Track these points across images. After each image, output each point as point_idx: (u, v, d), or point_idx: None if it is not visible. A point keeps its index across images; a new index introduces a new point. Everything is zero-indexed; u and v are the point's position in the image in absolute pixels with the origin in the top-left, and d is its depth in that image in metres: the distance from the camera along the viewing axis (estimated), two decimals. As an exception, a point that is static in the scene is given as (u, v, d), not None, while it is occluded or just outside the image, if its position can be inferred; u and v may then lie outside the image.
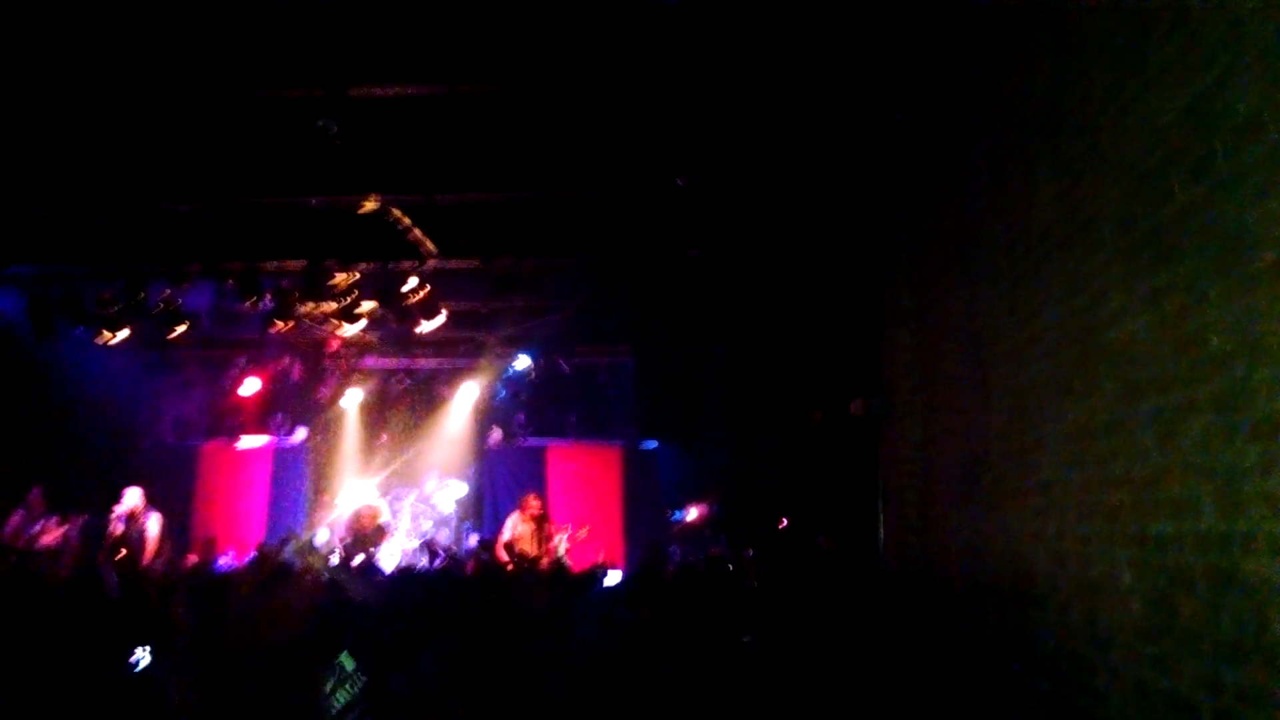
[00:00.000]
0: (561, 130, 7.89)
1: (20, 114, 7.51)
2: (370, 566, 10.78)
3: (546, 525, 12.60)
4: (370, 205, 8.87)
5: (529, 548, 12.23)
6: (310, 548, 12.19)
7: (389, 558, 12.78)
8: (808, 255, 9.82)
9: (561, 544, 12.49)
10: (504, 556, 11.93)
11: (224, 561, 12.51)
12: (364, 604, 5.83)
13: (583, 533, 12.93)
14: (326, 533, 13.45)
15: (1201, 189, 3.27)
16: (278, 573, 5.72)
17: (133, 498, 11.62)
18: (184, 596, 6.36)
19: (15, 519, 11.61)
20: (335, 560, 11.80)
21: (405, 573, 10.14)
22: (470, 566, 11.54)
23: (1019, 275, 5.08)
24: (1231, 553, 3.05)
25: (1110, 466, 3.96)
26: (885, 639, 6.67)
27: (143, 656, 4.67)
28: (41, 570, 10.26)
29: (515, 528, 12.58)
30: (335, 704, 4.31)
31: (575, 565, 11.83)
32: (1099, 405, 4.07)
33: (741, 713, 5.00)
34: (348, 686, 4.38)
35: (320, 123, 7.23)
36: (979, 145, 5.84)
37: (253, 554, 11.97)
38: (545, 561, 11.99)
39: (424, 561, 12.49)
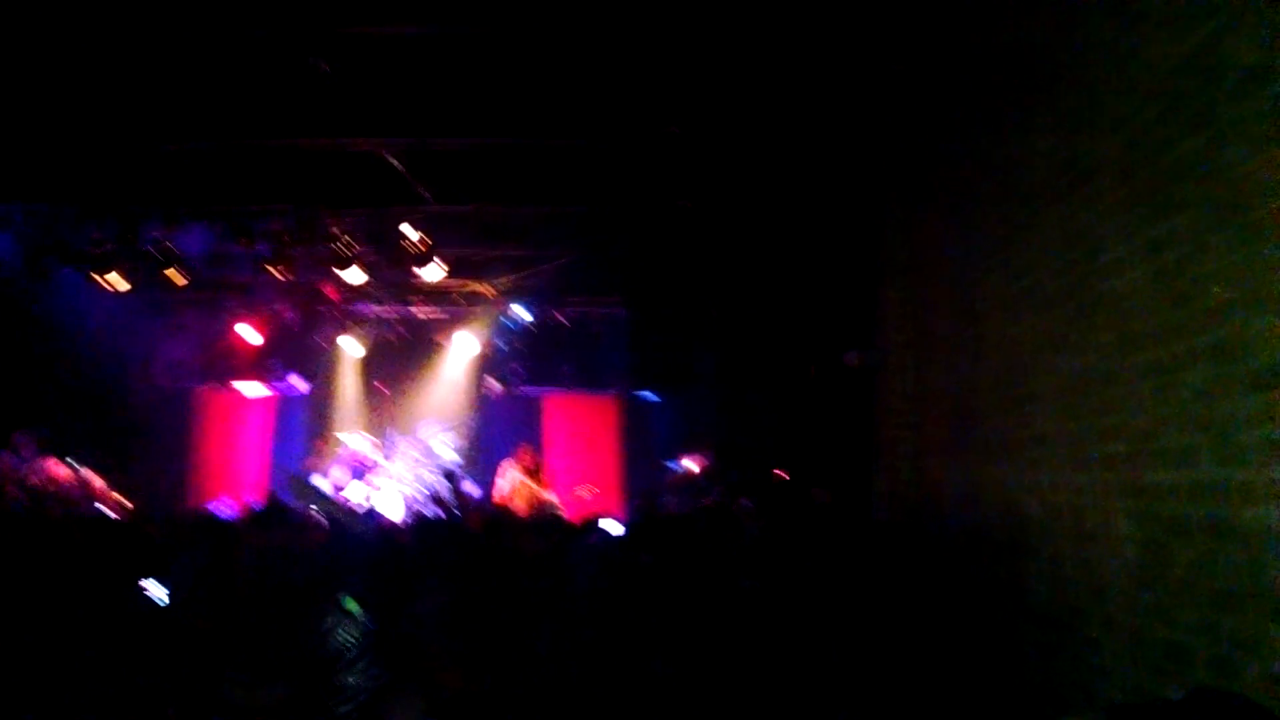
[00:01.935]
0: (557, 76, 7.83)
1: (10, 53, 7.43)
2: (371, 510, 10.81)
3: (540, 476, 12.66)
4: None
5: (522, 500, 12.29)
6: (308, 488, 12.27)
7: (390, 504, 12.84)
8: (802, 207, 9.79)
9: (553, 496, 12.56)
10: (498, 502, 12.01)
11: (220, 507, 12.53)
12: (365, 542, 5.88)
13: (585, 491, 13.00)
14: (325, 482, 13.48)
15: (1202, 139, 3.26)
16: (278, 514, 5.76)
17: (64, 471, 11.56)
18: (188, 535, 6.40)
19: (5, 461, 11.59)
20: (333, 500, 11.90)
21: (413, 520, 10.19)
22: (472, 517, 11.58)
23: (1014, 228, 5.07)
24: (1228, 501, 3.07)
25: (1106, 417, 3.98)
26: (880, 589, 6.72)
27: (155, 591, 4.71)
28: (44, 506, 10.29)
29: (510, 479, 12.64)
30: (339, 643, 4.36)
31: (572, 515, 11.88)
32: (1095, 357, 4.08)
33: (738, 654, 5.05)
34: (349, 627, 4.43)
35: (313, 61, 7.18)
36: (975, 97, 5.81)
37: (252, 499, 12.04)
38: (537, 510, 12.05)
39: (432, 509, 12.55)
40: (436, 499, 11.36)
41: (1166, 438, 3.49)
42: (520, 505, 12.07)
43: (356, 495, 13.09)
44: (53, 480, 11.29)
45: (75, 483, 11.25)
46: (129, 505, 11.16)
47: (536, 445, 13.88)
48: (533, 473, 12.65)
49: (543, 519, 11.02)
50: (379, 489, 13.58)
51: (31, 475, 11.34)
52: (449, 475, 12.18)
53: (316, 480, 13.18)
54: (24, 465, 11.48)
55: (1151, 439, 3.59)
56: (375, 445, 14.71)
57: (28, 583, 5.02)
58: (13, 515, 9.54)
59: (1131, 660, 3.75)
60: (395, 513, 12.49)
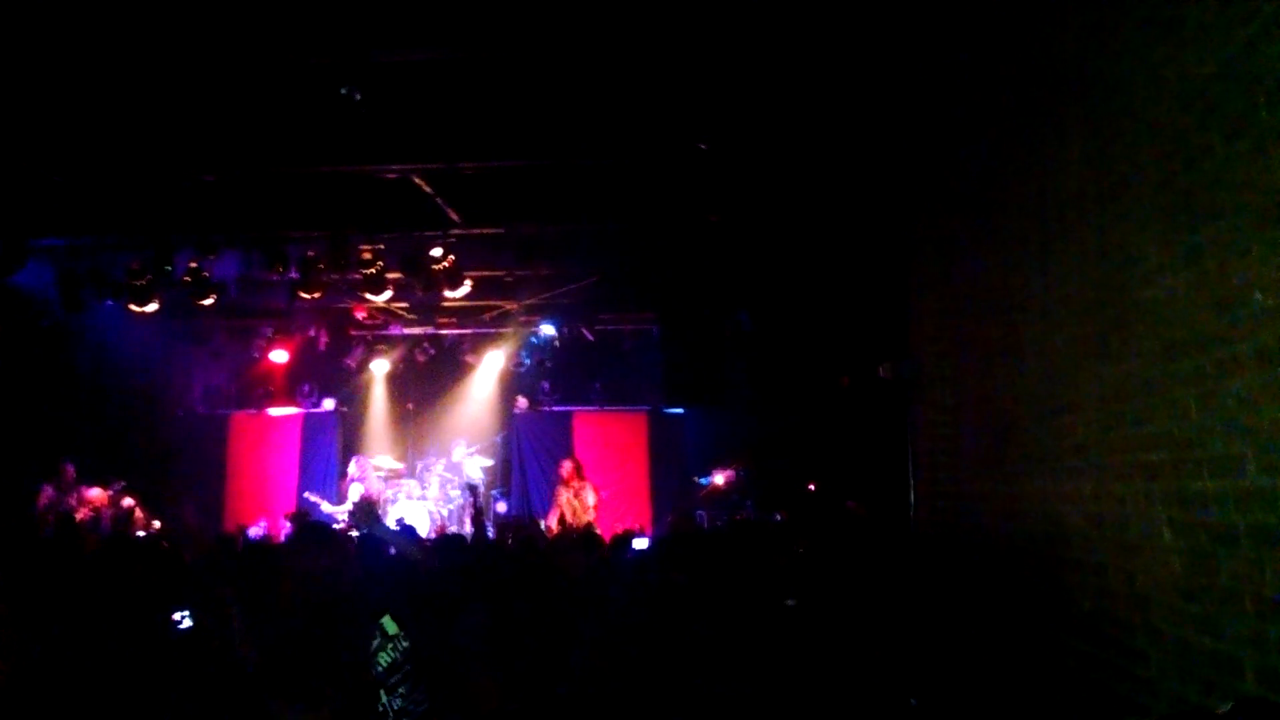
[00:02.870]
0: (585, 96, 7.87)
1: (46, 85, 7.53)
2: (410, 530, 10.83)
3: (577, 487, 12.67)
4: None
5: (572, 513, 12.33)
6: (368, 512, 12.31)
7: (419, 522, 12.88)
8: (834, 219, 9.78)
9: (590, 498, 12.55)
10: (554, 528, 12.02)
11: (255, 531, 12.61)
12: (407, 560, 5.88)
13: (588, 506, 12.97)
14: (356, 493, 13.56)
15: (1241, 145, 3.23)
16: (316, 535, 5.77)
17: (96, 494, 11.68)
18: (224, 559, 6.43)
19: (48, 492, 11.73)
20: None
21: (446, 538, 10.23)
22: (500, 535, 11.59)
23: (1049, 236, 5.04)
24: (1275, 508, 3.04)
25: (1148, 426, 3.95)
26: (919, 603, 6.68)
27: (184, 618, 4.73)
28: (84, 534, 10.39)
29: (559, 500, 12.69)
30: (379, 665, 4.37)
31: (604, 532, 11.87)
32: (1136, 365, 4.05)
33: (780, 671, 5.02)
34: (389, 649, 4.44)
35: (344, 89, 7.22)
36: (1007, 105, 5.79)
37: (288, 523, 12.13)
38: (583, 522, 12.08)
39: (459, 527, 12.61)
40: (471, 516, 11.40)
41: (1211, 446, 3.45)
42: (554, 524, 12.11)
43: (391, 514, 13.15)
44: (93, 507, 11.42)
45: (114, 508, 11.38)
46: (165, 530, 11.27)
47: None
48: (570, 485, 12.67)
49: (580, 536, 11.04)
50: (410, 508, 13.64)
51: (74, 503, 11.47)
52: (471, 489, 12.25)
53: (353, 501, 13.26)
54: (67, 494, 11.61)
55: (1195, 447, 3.56)
56: (404, 465, 14.79)
57: (67, 610, 5.06)
58: (53, 542, 9.63)
59: (1177, 672, 3.70)
60: (424, 531, 12.53)
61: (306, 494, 13.61)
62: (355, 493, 13.14)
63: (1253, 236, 3.16)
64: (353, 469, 13.43)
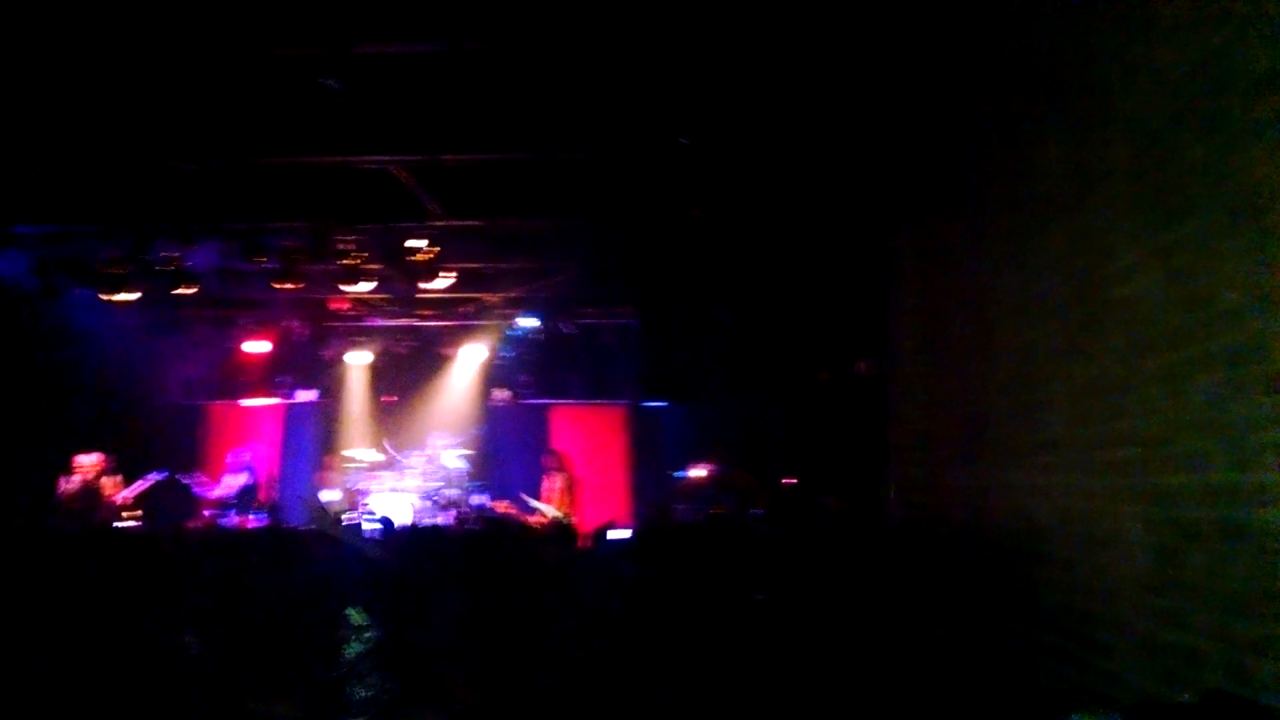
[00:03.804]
0: (566, 90, 7.86)
1: (23, 71, 7.48)
2: (384, 521, 10.83)
3: (554, 473, 12.71)
4: None
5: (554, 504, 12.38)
6: (319, 509, 12.31)
7: (398, 515, 12.86)
8: (813, 215, 9.80)
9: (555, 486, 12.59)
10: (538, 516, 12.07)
11: (231, 520, 12.58)
12: (379, 560, 5.89)
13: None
14: (337, 493, 13.52)
15: (1213, 145, 3.27)
16: (288, 532, 5.77)
17: (92, 460, 11.62)
18: (199, 551, 6.42)
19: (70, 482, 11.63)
20: (347, 520, 11.91)
21: (422, 529, 10.22)
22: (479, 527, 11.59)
23: (1024, 233, 5.08)
24: (1242, 504, 3.08)
25: (1118, 422, 3.98)
26: (892, 598, 6.71)
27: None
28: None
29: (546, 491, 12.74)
30: (346, 655, 4.38)
31: (584, 524, 11.89)
32: (1107, 362, 4.08)
33: (749, 666, 5.05)
34: (356, 639, 4.44)
35: (325, 80, 7.19)
36: (985, 103, 5.82)
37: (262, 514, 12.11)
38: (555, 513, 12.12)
39: (440, 519, 12.61)
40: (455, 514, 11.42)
41: (1179, 442, 3.49)
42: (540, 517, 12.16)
43: (366, 508, 13.13)
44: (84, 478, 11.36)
45: (104, 492, 11.34)
46: (143, 519, 11.24)
47: (546, 454, 13.88)
48: (553, 476, 12.71)
49: (554, 528, 11.06)
50: (387, 501, 13.62)
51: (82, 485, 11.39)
52: (452, 487, 12.23)
53: (326, 495, 13.22)
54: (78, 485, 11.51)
55: (1164, 443, 3.60)
56: (383, 457, 14.76)
57: (60, 597, 5.05)
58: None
59: (1143, 665, 3.75)
60: (403, 523, 12.51)
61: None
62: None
63: (1223, 236, 3.20)
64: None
